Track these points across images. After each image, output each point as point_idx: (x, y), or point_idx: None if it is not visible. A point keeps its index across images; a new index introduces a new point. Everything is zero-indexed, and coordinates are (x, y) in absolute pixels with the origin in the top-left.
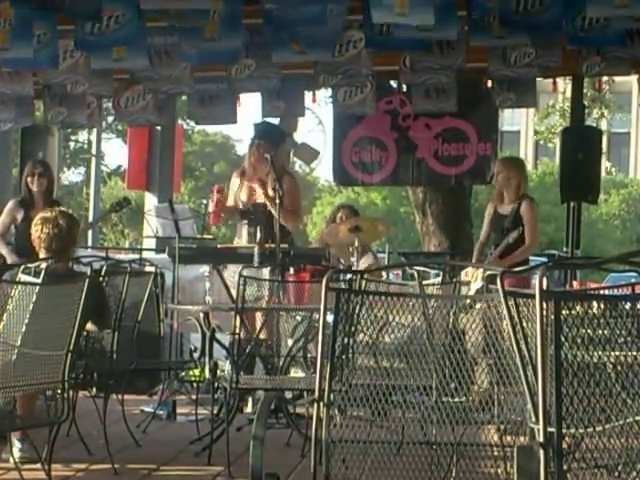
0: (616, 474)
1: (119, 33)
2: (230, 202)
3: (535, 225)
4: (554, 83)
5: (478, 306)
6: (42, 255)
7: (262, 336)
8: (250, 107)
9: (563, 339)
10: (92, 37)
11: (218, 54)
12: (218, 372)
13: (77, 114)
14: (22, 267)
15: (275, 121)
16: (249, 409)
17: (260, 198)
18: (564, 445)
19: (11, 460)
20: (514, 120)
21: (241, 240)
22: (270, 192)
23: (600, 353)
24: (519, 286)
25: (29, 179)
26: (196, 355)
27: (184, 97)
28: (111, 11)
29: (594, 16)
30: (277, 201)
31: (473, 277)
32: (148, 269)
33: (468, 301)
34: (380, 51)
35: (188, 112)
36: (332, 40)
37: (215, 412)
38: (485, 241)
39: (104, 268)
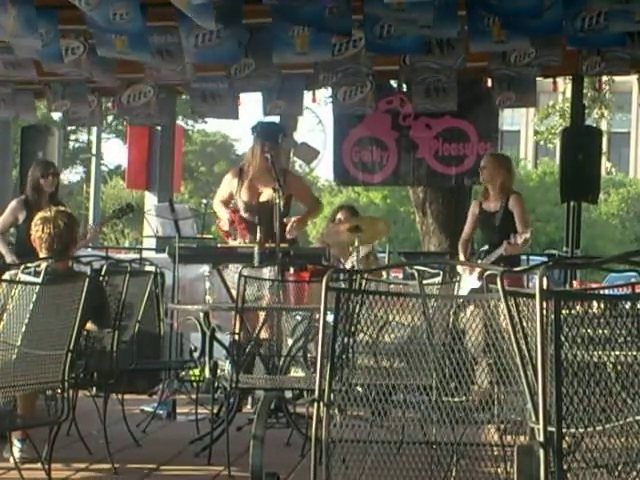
0: (616, 474)
1: (122, 29)
2: (223, 198)
3: (526, 217)
4: (554, 83)
5: (472, 307)
6: (43, 255)
7: (264, 336)
8: (250, 106)
9: (563, 339)
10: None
11: (220, 54)
12: (218, 372)
13: (79, 107)
14: (22, 267)
15: (275, 119)
16: (249, 406)
17: (265, 197)
18: (564, 445)
19: (11, 460)
20: (514, 120)
21: (245, 242)
22: (270, 192)
23: (600, 353)
24: (514, 285)
25: (42, 180)
26: (196, 355)
27: (184, 97)
28: (115, 9)
29: (594, 13)
30: (277, 200)
31: (466, 272)
32: (148, 269)
33: (462, 301)
34: (381, 54)
35: (191, 107)
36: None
37: (215, 412)
38: (468, 238)
39: (104, 268)
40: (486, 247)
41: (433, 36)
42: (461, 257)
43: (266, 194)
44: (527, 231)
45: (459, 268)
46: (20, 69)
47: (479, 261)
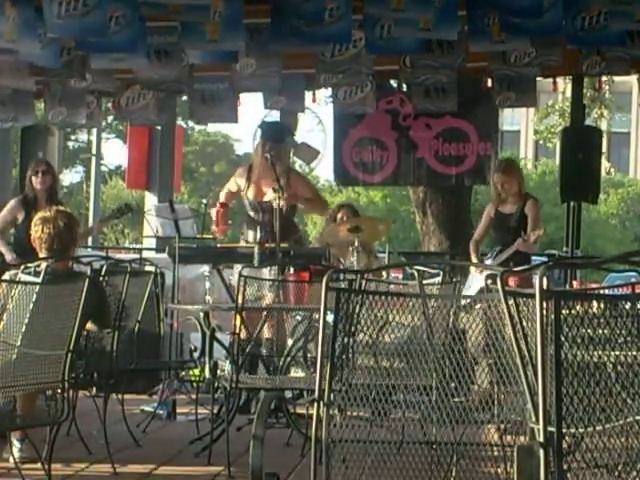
0: (616, 474)
1: (120, 35)
2: (228, 191)
3: (539, 221)
4: (554, 83)
5: (478, 306)
6: (42, 255)
7: (267, 335)
8: (250, 107)
9: (563, 339)
10: (93, 38)
11: (220, 54)
12: (218, 372)
13: (77, 113)
14: (22, 267)
15: (276, 117)
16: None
17: (268, 196)
18: (564, 445)
19: (11, 460)
20: (514, 120)
21: (249, 240)
22: (271, 192)
23: (600, 353)
24: (523, 285)
25: (33, 178)
26: (196, 355)
27: (184, 97)
28: (112, 10)
29: (594, 12)
30: (277, 201)
31: (476, 271)
32: (148, 269)
33: (468, 301)
34: (381, 54)
35: (190, 111)
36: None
37: (215, 412)
38: (480, 239)
39: (104, 268)
40: (499, 247)
41: (433, 38)
42: (473, 257)
43: (269, 194)
44: (539, 229)
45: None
46: (17, 73)
47: (489, 261)
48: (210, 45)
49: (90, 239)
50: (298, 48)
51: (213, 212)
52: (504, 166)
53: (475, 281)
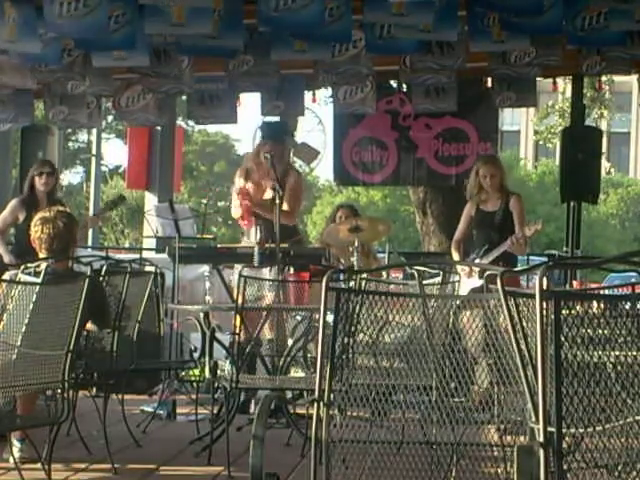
0: (616, 474)
1: (119, 34)
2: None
3: (524, 219)
4: (554, 83)
5: (468, 313)
6: (42, 255)
7: (268, 336)
8: (250, 107)
9: (563, 339)
10: (93, 37)
11: (218, 51)
12: (218, 372)
13: (77, 113)
14: (22, 267)
15: (277, 119)
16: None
17: (267, 195)
18: (564, 445)
19: (11, 460)
20: (514, 120)
21: (250, 240)
22: (270, 192)
23: (600, 353)
24: (511, 285)
25: (36, 178)
26: (196, 355)
27: (184, 97)
28: (112, 10)
29: (594, 12)
30: (277, 201)
31: (464, 272)
32: (148, 269)
33: (461, 301)
34: (380, 54)
35: (188, 112)
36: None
37: (215, 412)
38: (462, 239)
39: (104, 268)
40: (486, 246)
41: (433, 39)
42: (456, 258)
43: (269, 193)
44: (538, 223)
45: (457, 269)
46: (18, 73)
47: (477, 260)
48: (209, 42)
49: (90, 239)
50: (299, 56)
51: (235, 198)
52: (490, 158)
53: (464, 285)
